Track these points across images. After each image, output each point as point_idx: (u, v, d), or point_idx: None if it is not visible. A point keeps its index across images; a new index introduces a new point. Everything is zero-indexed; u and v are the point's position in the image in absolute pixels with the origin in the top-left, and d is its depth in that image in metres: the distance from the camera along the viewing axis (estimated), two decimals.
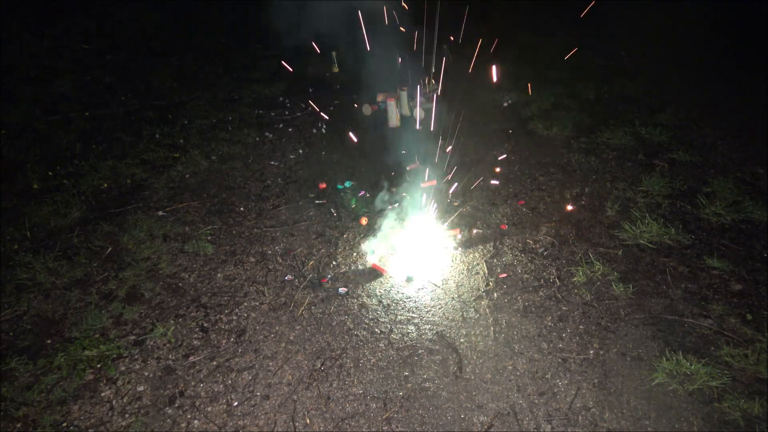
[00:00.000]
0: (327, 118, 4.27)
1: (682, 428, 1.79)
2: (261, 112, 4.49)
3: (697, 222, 2.80)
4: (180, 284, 2.57)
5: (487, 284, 2.49)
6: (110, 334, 2.28)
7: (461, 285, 2.49)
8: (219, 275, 2.63)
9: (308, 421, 1.89)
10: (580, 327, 2.23)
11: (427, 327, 2.27)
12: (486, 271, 2.57)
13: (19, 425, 1.90)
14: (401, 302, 2.41)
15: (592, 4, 4.12)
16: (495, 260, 2.64)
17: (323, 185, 3.37)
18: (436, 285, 2.50)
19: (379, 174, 3.44)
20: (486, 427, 1.84)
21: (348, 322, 2.31)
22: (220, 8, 6.55)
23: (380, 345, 2.19)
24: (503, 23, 5.63)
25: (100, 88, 4.85)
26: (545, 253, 2.67)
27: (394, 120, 4.17)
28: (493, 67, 3.75)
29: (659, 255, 2.59)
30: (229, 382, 2.05)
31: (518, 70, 4.87)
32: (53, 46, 5.36)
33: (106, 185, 3.41)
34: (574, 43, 4.55)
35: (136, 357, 2.17)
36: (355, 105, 4.36)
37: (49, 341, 2.25)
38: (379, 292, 2.48)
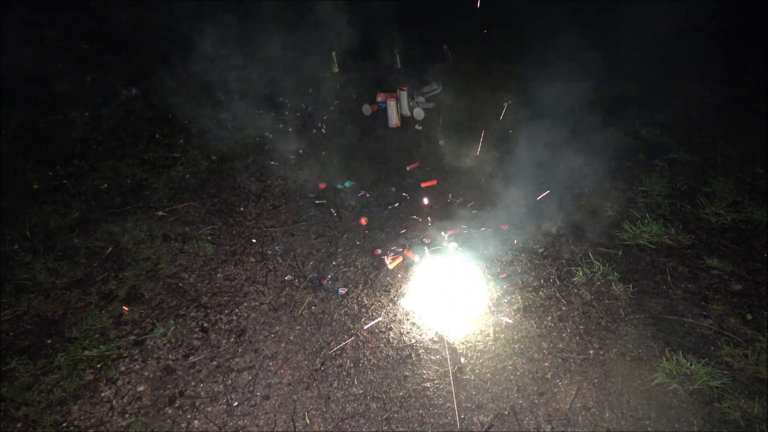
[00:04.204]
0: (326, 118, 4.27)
1: (682, 428, 1.79)
2: (261, 112, 4.49)
3: (697, 222, 2.80)
4: (180, 284, 2.57)
5: (488, 284, 2.49)
6: (110, 334, 2.28)
7: (461, 285, 2.49)
8: (219, 275, 2.63)
9: (308, 421, 1.89)
10: (580, 327, 2.23)
11: (427, 327, 2.27)
12: (486, 271, 2.57)
13: (19, 425, 1.90)
14: (401, 302, 2.41)
15: None
16: (495, 260, 2.64)
17: (323, 185, 3.38)
18: (435, 285, 2.50)
19: (379, 174, 3.44)
20: (486, 427, 1.84)
21: (348, 322, 2.31)
22: (221, 8, 6.55)
23: (380, 345, 2.19)
24: (502, 23, 5.64)
25: (100, 88, 4.85)
26: (545, 253, 2.67)
27: (394, 120, 4.17)
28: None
29: (659, 255, 2.59)
30: (229, 382, 2.05)
31: (518, 69, 4.88)
32: (53, 46, 5.36)
33: (106, 185, 3.41)
34: (575, 42, 4.55)
35: (136, 357, 2.17)
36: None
37: (49, 341, 2.25)
38: (379, 292, 2.48)
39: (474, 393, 1.97)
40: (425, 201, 3.13)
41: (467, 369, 2.06)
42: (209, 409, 1.95)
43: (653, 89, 4.29)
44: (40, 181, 3.42)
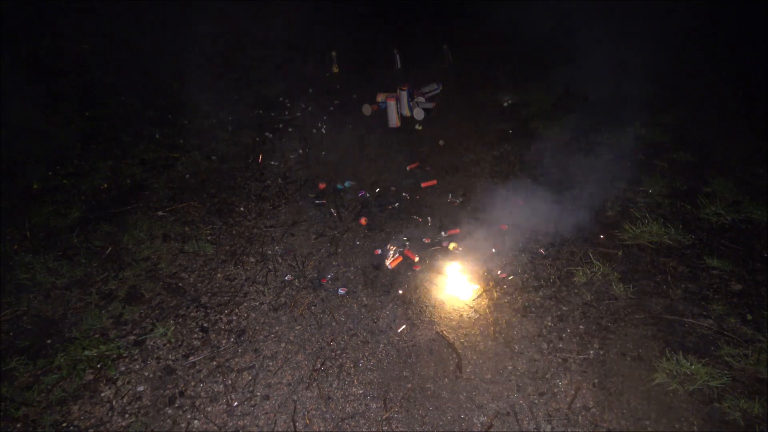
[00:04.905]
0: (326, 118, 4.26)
1: (682, 428, 1.79)
2: (261, 112, 4.50)
3: (697, 222, 2.80)
4: (180, 284, 2.57)
5: (487, 284, 2.49)
6: (110, 334, 2.28)
7: (460, 285, 2.49)
8: (219, 275, 2.63)
9: (308, 421, 1.89)
10: (580, 327, 2.23)
11: (427, 327, 2.27)
12: (486, 271, 2.57)
13: (19, 425, 1.90)
14: (401, 303, 2.41)
15: None
16: (495, 260, 2.64)
17: (323, 185, 3.38)
18: (435, 285, 2.50)
19: (379, 174, 3.44)
20: (486, 427, 1.84)
21: (348, 323, 2.31)
22: (221, 8, 6.55)
23: (380, 345, 2.19)
24: (503, 23, 5.64)
25: (100, 88, 4.85)
26: (545, 253, 2.67)
27: (394, 120, 4.17)
28: None
29: (659, 255, 2.59)
30: (229, 382, 2.05)
31: (518, 69, 4.88)
32: (53, 46, 5.36)
33: (106, 185, 3.41)
34: (575, 43, 4.55)
35: (136, 357, 2.17)
36: None
37: (49, 341, 2.25)
38: (379, 292, 2.48)
39: (474, 393, 1.97)
40: (424, 202, 3.13)
41: (467, 369, 2.06)
42: (209, 409, 1.95)
43: (654, 89, 4.29)
44: (40, 181, 3.42)
